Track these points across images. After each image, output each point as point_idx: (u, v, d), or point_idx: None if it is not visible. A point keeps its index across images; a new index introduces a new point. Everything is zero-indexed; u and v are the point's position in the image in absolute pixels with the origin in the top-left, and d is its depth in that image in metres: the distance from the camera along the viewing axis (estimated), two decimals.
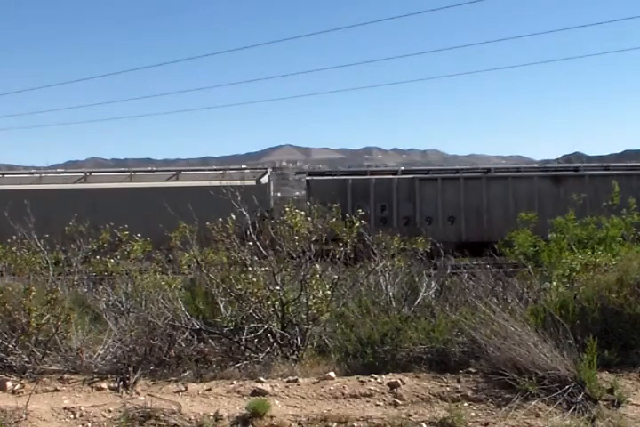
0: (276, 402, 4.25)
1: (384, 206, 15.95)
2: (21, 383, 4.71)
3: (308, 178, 16.61)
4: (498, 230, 12.81)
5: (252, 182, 15.29)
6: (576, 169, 16.94)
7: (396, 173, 16.88)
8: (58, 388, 4.64)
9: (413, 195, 16.07)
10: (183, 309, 5.54)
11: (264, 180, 16.11)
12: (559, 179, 16.23)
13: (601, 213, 8.21)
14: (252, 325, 5.31)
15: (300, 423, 4.02)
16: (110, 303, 6.30)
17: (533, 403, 4.04)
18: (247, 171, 16.76)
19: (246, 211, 5.92)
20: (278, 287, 5.38)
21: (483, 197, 15.91)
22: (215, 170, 16.92)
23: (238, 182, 6.81)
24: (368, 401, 4.28)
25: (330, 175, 17.06)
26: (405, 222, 15.79)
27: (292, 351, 5.21)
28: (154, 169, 19.50)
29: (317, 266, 5.53)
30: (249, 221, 5.90)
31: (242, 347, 5.23)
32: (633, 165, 18.43)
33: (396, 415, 4.01)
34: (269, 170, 16.95)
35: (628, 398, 4.13)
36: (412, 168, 18.59)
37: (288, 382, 4.57)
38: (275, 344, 5.29)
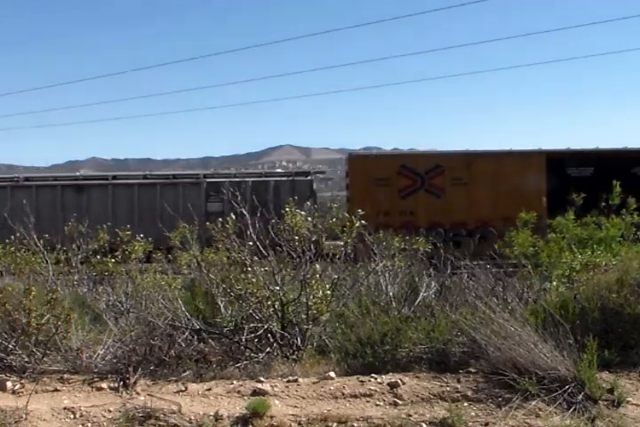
0: (276, 402, 4.25)
1: None
2: (21, 383, 4.71)
3: None
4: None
5: None
6: (105, 178, 17.57)
7: None
8: (58, 388, 4.63)
9: None
10: (183, 309, 5.54)
11: None
12: (81, 188, 16.85)
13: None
14: (252, 325, 5.31)
15: (300, 423, 4.02)
16: (110, 303, 6.30)
17: (533, 403, 4.04)
18: None
19: None
20: (278, 287, 5.38)
21: (7, 204, 15.91)
22: None
23: None
24: (368, 401, 4.27)
25: None
26: None
27: (291, 351, 5.21)
28: None
29: (317, 266, 5.54)
30: None
31: (242, 347, 5.23)
32: (173, 173, 18.95)
33: (396, 415, 4.01)
34: None
35: (628, 398, 4.13)
36: None
37: (288, 382, 4.57)
38: (275, 344, 5.29)
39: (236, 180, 16.38)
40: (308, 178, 16.80)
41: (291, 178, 16.73)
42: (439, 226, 14.29)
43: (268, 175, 17.26)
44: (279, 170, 18.89)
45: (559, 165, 14.95)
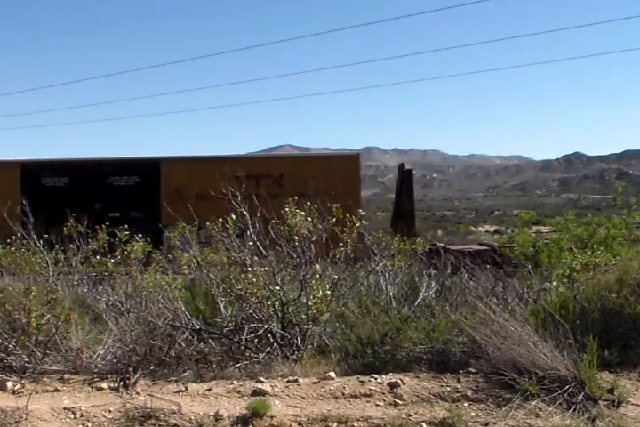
0: (277, 402, 4.25)
1: None
2: (21, 383, 4.71)
3: None
4: None
5: None
6: None
7: None
8: (58, 388, 4.63)
9: None
10: (183, 309, 5.54)
11: None
12: None
13: None
14: (252, 325, 5.31)
15: (300, 423, 4.02)
16: (110, 303, 6.30)
17: (533, 403, 4.04)
18: None
19: None
20: (278, 287, 5.38)
21: None
22: None
23: None
24: (368, 401, 4.27)
25: None
26: None
27: (292, 351, 5.21)
28: None
29: (317, 266, 5.54)
30: None
31: (242, 347, 5.23)
32: None
33: (396, 415, 4.01)
34: None
35: (628, 398, 4.13)
36: None
37: (288, 382, 4.57)
38: (275, 344, 5.29)
39: None
40: None
41: None
42: None
43: None
44: None
45: (34, 175, 15.20)
